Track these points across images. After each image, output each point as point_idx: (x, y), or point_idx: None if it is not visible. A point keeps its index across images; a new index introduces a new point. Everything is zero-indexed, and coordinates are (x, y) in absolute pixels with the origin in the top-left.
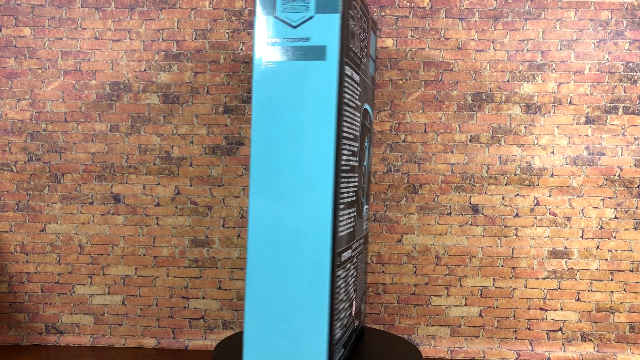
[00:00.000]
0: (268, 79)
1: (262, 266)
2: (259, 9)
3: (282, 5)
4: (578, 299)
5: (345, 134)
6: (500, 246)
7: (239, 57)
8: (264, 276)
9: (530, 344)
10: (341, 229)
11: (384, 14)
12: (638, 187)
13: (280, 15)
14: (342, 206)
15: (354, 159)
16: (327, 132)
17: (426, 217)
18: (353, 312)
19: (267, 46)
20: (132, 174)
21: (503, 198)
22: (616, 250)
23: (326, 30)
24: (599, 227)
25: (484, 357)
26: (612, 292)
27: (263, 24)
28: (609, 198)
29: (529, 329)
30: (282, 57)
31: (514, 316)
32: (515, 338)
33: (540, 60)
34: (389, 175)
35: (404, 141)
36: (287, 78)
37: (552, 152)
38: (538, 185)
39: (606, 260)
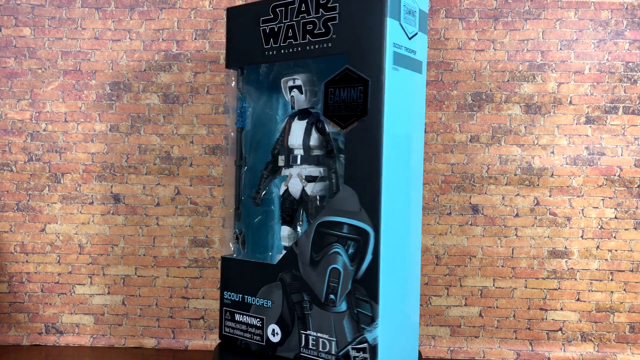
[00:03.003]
0: (396, 83)
1: (392, 265)
2: (387, 11)
3: (404, 15)
4: (578, 299)
5: None
6: (500, 246)
7: None
8: (394, 278)
9: (530, 344)
10: None
11: None
12: (638, 187)
13: (403, 23)
14: None
15: None
16: (421, 137)
17: (426, 217)
18: None
19: (393, 50)
20: (132, 174)
21: (503, 198)
22: (616, 250)
23: (423, 47)
24: (599, 227)
25: (484, 357)
26: (612, 292)
27: (391, 27)
28: (609, 198)
29: (529, 329)
30: (401, 64)
31: (514, 316)
32: (515, 338)
33: (540, 60)
34: None
35: None
36: (404, 84)
37: (552, 152)
38: (538, 185)
39: (606, 260)
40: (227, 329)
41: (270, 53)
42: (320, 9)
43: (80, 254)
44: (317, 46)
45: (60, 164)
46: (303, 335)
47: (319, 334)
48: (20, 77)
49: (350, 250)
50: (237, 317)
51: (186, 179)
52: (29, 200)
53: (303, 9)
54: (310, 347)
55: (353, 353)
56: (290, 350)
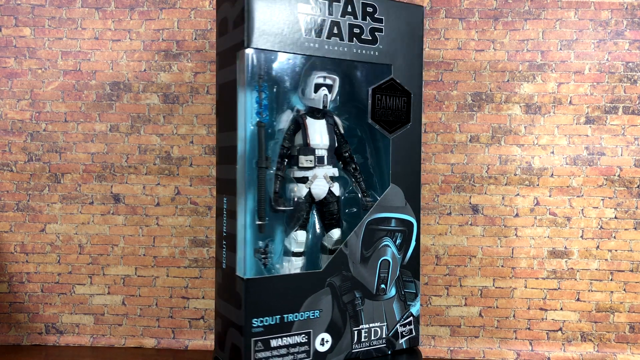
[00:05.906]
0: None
1: None
2: (423, 33)
3: None
4: (578, 299)
5: None
6: (500, 246)
7: None
8: None
9: (530, 344)
10: None
11: None
12: (638, 187)
13: None
14: None
15: None
16: None
17: (426, 217)
18: None
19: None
20: (132, 174)
21: (503, 198)
22: (616, 250)
23: None
24: (599, 227)
25: (484, 357)
26: (612, 292)
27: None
28: (609, 198)
29: (529, 329)
30: None
31: (514, 316)
32: (515, 338)
33: (540, 60)
34: None
35: None
36: None
37: (552, 152)
38: (538, 185)
39: (606, 260)
40: None
41: (312, 45)
42: (368, 17)
43: (80, 254)
44: (364, 52)
45: (60, 164)
46: (355, 332)
47: (371, 325)
48: (20, 77)
49: (398, 241)
50: (274, 342)
51: (186, 179)
52: (29, 200)
53: (349, 10)
54: (363, 340)
55: (401, 329)
56: (342, 353)
